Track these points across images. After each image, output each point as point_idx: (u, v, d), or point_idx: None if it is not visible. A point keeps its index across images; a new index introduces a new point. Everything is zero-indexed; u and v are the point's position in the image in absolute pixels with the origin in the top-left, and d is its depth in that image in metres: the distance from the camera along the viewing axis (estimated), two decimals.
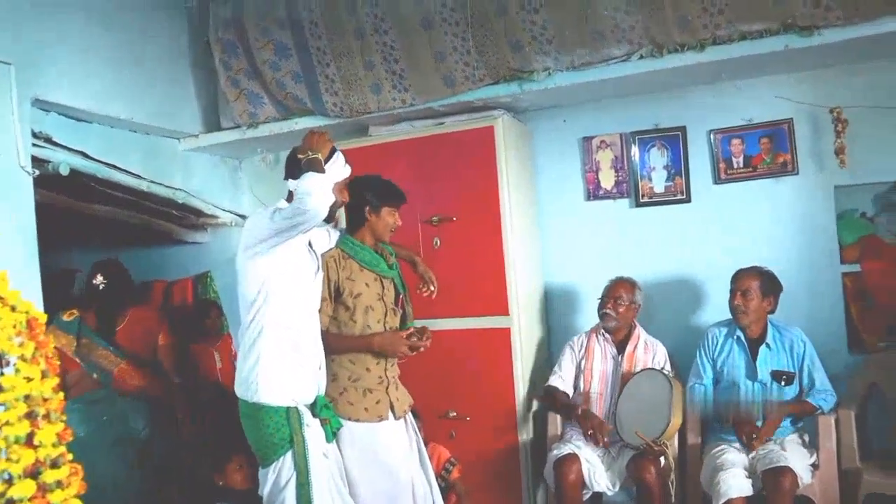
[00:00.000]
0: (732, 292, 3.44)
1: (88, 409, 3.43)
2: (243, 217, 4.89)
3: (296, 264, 2.56)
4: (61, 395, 1.86)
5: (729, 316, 3.53)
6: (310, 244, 2.68)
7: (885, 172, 3.64)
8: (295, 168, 2.54)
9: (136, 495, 3.46)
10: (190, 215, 4.71)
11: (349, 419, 2.79)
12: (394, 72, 3.84)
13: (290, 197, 2.57)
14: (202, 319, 4.36)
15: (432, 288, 3.06)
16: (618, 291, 3.66)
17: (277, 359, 2.51)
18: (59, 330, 3.51)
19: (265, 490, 2.51)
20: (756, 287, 3.40)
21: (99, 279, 3.62)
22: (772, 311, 3.45)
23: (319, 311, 2.74)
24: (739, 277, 3.46)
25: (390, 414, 2.86)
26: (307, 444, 2.47)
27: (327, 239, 2.87)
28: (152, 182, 4.20)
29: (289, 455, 2.46)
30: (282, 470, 2.47)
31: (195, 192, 4.56)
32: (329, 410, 2.63)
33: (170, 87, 4.23)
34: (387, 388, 2.87)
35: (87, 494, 3.05)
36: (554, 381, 3.71)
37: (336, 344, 2.81)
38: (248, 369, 2.52)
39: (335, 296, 2.83)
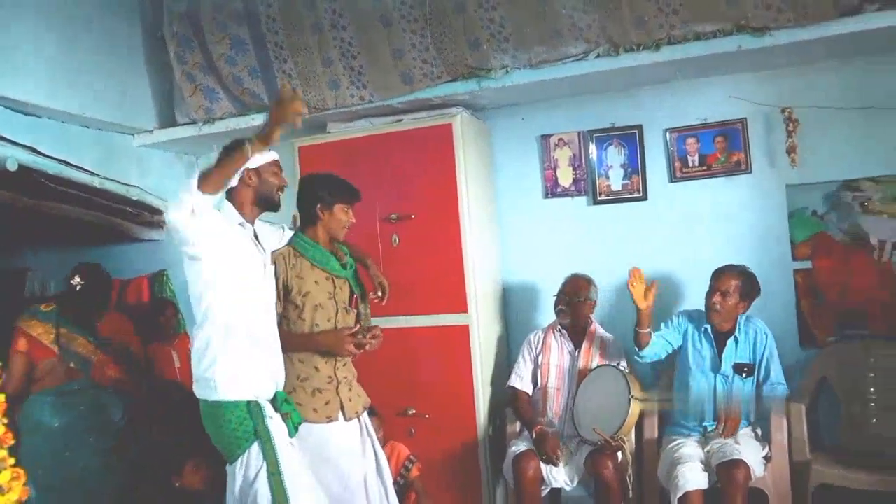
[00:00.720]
0: (712, 289, 3.43)
1: (63, 401, 3.40)
2: None
3: (238, 260, 2.52)
4: (2, 397, 1.81)
5: (696, 307, 3.57)
6: (256, 238, 2.64)
7: (834, 171, 3.73)
8: None
9: (115, 488, 3.42)
10: (145, 212, 4.62)
11: None
12: (352, 68, 3.81)
13: (228, 194, 2.59)
14: (157, 318, 4.30)
15: (380, 294, 3.02)
16: (574, 289, 3.68)
17: (233, 355, 2.47)
18: (36, 319, 3.51)
19: (235, 487, 2.45)
20: (736, 288, 3.40)
21: (77, 280, 3.59)
22: (743, 313, 3.49)
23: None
24: (720, 276, 3.43)
25: (340, 415, 2.82)
26: (272, 435, 2.44)
27: (279, 237, 2.83)
28: (105, 178, 4.13)
29: (255, 447, 2.42)
30: (249, 462, 2.42)
31: (150, 189, 4.49)
32: (290, 405, 2.60)
33: (123, 81, 4.16)
34: (337, 388, 2.83)
35: (61, 484, 2.98)
36: (513, 381, 3.73)
37: (284, 342, 2.76)
38: (205, 368, 2.48)
39: (284, 294, 2.80)
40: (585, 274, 3.76)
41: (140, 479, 3.53)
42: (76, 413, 3.41)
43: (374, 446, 2.95)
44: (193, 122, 4.29)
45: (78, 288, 3.59)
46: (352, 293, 2.97)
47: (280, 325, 2.79)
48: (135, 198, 4.35)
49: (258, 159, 2.53)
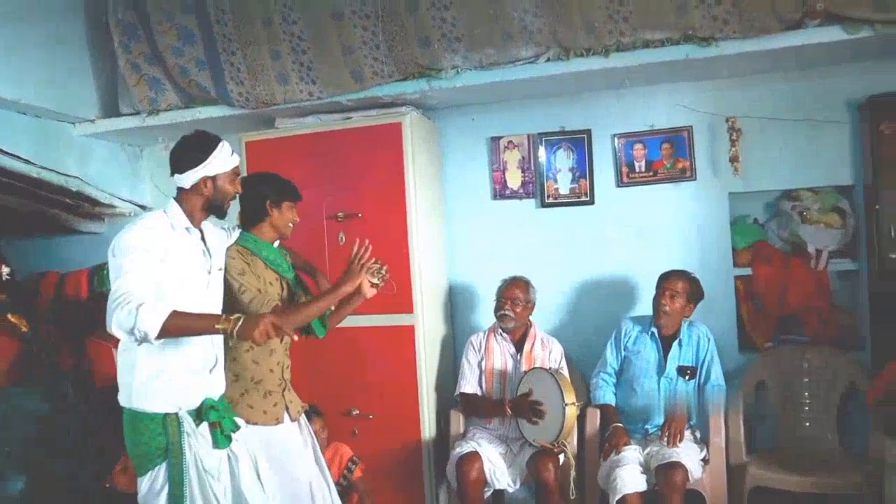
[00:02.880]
0: (661, 291, 3.51)
1: None
2: (143, 207, 4.72)
3: (176, 269, 2.36)
4: None
5: (644, 313, 3.63)
6: (203, 242, 2.51)
7: (775, 180, 3.82)
8: (188, 166, 2.40)
9: (44, 473, 3.39)
10: (85, 204, 4.49)
11: (247, 422, 2.69)
12: (301, 63, 3.76)
13: (178, 195, 2.45)
14: (96, 314, 4.19)
15: None
16: (513, 292, 3.68)
17: (155, 361, 2.33)
18: None
19: (140, 494, 2.38)
20: (684, 290, 3.49)
21: (4, 270, 3.47)
22: (687, 316, 3.56)
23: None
24: (669, 278, 3.52)
25: (286, 416, 2.79)
26: (184, 456, 2.32)
27: (226, 237, 2.73)
28: (43, 168, 3.99)
29: (164, 466, 2.32)
30: (157, 479, 2.33)
31: (92, 180, 4.36)
32: (217, 412, 2.45)
33: (63, 68, 4.01)
34: (283, 390, 2.81)
35: None
36: (463, 388, 3.72)
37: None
38: (125, 372, 2.36)
39: (238, 290, 2.69)
40: (523, 276, 3.77)
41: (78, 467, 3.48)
42: None
43: (313, 446, 2.93)
44: (137, 113, 4.17)
45: (4, 279, 3.48)
46: (290, 295, 2.91)
47: None
48: (74, 189, 4.22)
49: (217, 166, 2.41)
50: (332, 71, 3.73)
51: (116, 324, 2.16)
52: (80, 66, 4.16)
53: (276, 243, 2.85)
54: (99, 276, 4.78)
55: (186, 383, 2.40)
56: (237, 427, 2.52)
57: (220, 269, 2.58)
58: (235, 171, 2.50)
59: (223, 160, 2.43)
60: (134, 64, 4.03)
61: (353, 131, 3.84)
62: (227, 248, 2.67)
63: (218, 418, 2.43)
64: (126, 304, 2.15)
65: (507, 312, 3.65)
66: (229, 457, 2.49)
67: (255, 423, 2.67)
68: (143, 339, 2.16)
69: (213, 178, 2.42)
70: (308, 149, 3.88)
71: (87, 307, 4.57)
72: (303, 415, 2.92)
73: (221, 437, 2.44)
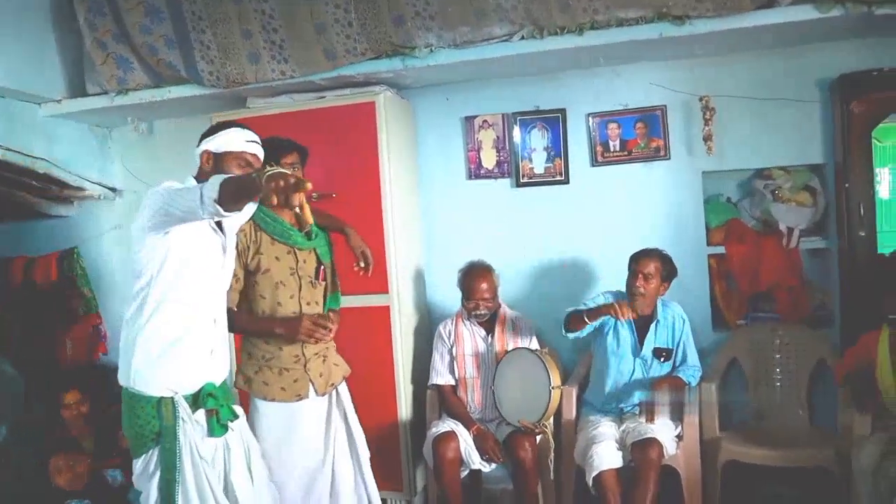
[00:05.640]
0: (634, 273, 3.47)
1: None
2: (113, 190, 4.65)
3: (195, 243, 2.33)
4: None
5: (617, 289, 3.61)
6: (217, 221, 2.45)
7: (748, 160, 3.84)
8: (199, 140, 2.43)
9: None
10: (53, 187, 4.40)
11: (265, 399, 2.72)
12: (273, 42, 3.70)
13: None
14: (57, 302, 4.14)
15: (363, 265, 2.98)
16: (480, 286, 3.60)
17: (154, 340, 2.29)
18: None
19: (135, 474, 2.34)
20: (657, 270, 3.46)
21: None
22: (662, 295, 3.55)
23: (230, 288, 2.57)
24: (640, 259, 3.47)
25: (311, 391, 2.78)
26: (178, 442, 2.27)
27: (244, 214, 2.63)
28: (8, 150, 3.89)
29: (157, 450, 2.28)
30: (150, 462, 2.30)
31: (59, 162, 4.26)
32: (215, 400, 2.40)
33: (27, 46, 3.90)
34: (305, 365, 2.77)
35: None
36: (434, 379, 3.71)
37: (244, 324, 2.72)
38: (125, 350, 2.31)
39: (245, 273, 2.72)
40: (482, 262, 3.71)
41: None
42: None
43: (346, 419, 2.91)
44: (105, 93, 4.08)
45: None
46: (319, 265, 2.87)
47: (240, 305, 2.72)
48: (41, 171, 4.12)
49: (220, 143, 2.39)
50: (304, 49, 3.67)
51: (184, 208, 2.09)
52: (45, 44, 4.05)
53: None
54: (69, 260, 4.73)
55: (186, 365, 2.34)
56: (235, 416, 2.48)
57: (234, 249, 2.55)
58: (245, 157, 2.42)
59: (228, 139, 2.41)
60: (100, 42, 3.93)
61: (327, 111, 3.80)
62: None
63: (215, 406, 2.38)
64: (180, 190, 2.14)
65: (481, 312, 3.62)
66: (224, 446, 2.44)
67: (273, 400, 2.68)
68: (214, 210, 2.02)
69: (217, 156, 2.40)
70: (280, 129, 3.77)
71: (55, 292, 4.53)
72: (340, 386, 2.91)
73: (217, 426, 2.40)
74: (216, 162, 2.40)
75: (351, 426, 2.92)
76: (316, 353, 2.83)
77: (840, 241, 3.63)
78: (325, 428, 2.84)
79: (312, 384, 2.79)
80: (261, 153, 2.48)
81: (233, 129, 2.45)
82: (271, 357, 2.74)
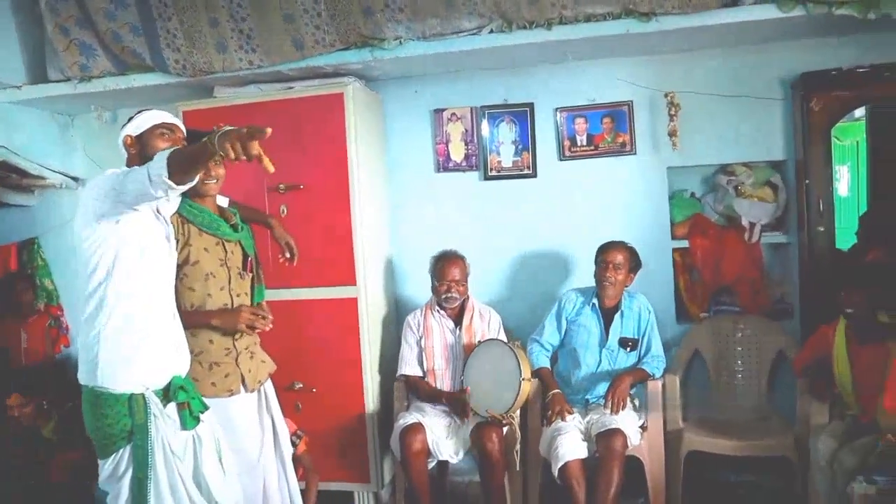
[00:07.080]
0: (602, 264, 3.55)
1: None
2: (75, 179, 4.55)
3: (143, 232, 2.30)
4: None
5: (585, 284, 3.68)
6: (157, 209, 2.42)
7: (711, 155, 3.91)
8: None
9: None
10: (13, 175, 4.30)
11: None
12: (241, 31, 3.65)
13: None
14: (9, 294, 4.06)
15: (288, 255, 2.97)
16: (453, 273, 3.65)
17: (121, 336, 2.24)
18: None
19: (101, 477, 2.29)
20: (625, 260, 3.54)
21: None
22: (628, 286, 3.62)
23: None
24: (608, 250, 3.56)
25: (241, 387, 2.73)
26: (150, 438, 2.24)
27: (173, 204, 2.62)
28: None
29: (128, 448, 2.24)
30: (120, 462, 2.25)
31: (19, 150, 4.16)
32: (186, 393, 2.37)
33: None
34: (236, 359, 2.73)
35: None
36: (403, 370, 3.72)
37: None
38: (88, 349, 2.26)
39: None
40: (455, 251, 3.75)
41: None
42: None
43: (272, 417, 2.88)
44: (68, 80, 3.99)
45: None
46: (245, 256, 2.84)
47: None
48: (0, 159, 4.03)
49: (137, 125, 2.38)
50: (272, 39, 3.63)
51: (134, 191, 2.09)
52: (5, 29, 3.97)
53: (227, 202, 2.81)
54: (29, 250, 4.64)
55: (155, 361, 2.31)
56: (206, 407, 2.45)
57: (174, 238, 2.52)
58: (162, 127, 2.40)
59: (143, 118, 2.40)
60: (63, 27, 3.85)
61: (295, 101, 3.77)
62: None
63: (186, 399, 2.36)
64: (127, 173, 2.14)
65: (452, 295, 3.65)
66: (194, 439, 2.40)
67: (205, 397, 2.62)
68: (165, 186, 2.02)
69: (138, 136, 2.39)
70: (248, 119, 3.67)
71: (11, 283, 4.43)
72: (266, 384, 2.87)
73: (189, 418, 2.37)
74: (139, 141, 2.39)
75: (276, 424, 2.88)
76: (246, 348, 2.78)
77: (800, 236, 3.71)
78: (257, 425, 2.80)
79: (243, 379, 2.74)
80: (180, 122, 2.48)
81: (146, 111, 2.45)
82: (200, 351, 2.66)
